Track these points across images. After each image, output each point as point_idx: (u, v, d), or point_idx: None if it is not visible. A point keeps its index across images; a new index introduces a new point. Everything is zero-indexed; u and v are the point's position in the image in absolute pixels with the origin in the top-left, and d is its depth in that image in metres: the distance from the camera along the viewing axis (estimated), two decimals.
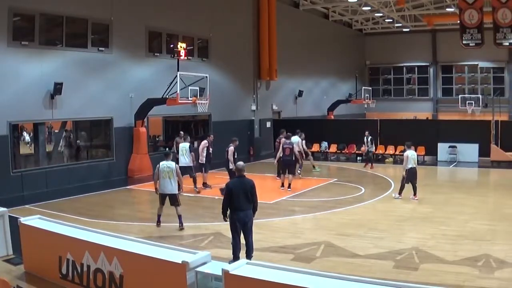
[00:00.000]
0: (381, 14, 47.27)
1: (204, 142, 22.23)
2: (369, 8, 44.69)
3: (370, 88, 50.83)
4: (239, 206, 11.35)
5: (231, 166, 20.28)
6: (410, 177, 19.52)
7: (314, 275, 7.72)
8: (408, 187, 19.59)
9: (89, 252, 9.45)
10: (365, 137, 29.10)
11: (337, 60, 49.31)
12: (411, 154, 19.57)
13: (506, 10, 32.42)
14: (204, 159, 22.11)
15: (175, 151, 25.96)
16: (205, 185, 22.06)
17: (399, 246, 13.38)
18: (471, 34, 37.94)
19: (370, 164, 29.03)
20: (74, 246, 9.81)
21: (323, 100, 45.96)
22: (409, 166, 19.39)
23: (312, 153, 30.62)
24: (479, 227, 15.61)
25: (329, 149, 34.65)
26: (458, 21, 33.59)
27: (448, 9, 42.76)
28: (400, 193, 19.74)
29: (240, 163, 12.08)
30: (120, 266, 8.96)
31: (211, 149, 22.37)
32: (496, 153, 29.87)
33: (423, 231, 15.03)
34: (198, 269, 8.15)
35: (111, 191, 22.36)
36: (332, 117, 44.61)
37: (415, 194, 19.49)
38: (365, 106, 49.90)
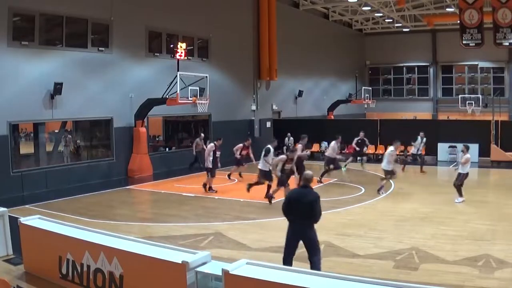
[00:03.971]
0: (381, 14, 47.28)
1: (211, 146, 21.79)
2: (369, 8, 44.69)
3: (370, 88, 50.77)
4: (295, 218, 10.72)
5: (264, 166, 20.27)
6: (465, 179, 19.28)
7: (314, 275, 7.73)
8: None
9: (89, 252, 9.44)
10: (419, 137, 28.48)
11: (337, 60, 49.31)
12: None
13: (506, 10, 32.43)
14: (210, 164, 21.46)
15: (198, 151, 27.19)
16: (210, 189, 21.64)
17: (399, 246, 13.38)
18: (471, 34, 37.99)
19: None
20: (74, 246, 9.81)
21: (323, 100, 45.97)
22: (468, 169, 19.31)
23: (312, 153, 30.63)
24: (479, 227, 15.61)
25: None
26: (458, 21, 33.61)
27: (448, 9, 42.76)
28: (461, 195, 19.35)
29: (309, 172, 11.30)
30: (120, 266, 8.96)
31: (218, 153, 21.88)
32: (496, 153, 29.88)
33: (423, 231, 15.03)
34: (198, 269, 8.15)
35: (111, 191, 22.34)
36: (332, 117, 44.60)
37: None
38: (365, 106, 49.92)
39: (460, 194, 19.13)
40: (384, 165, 21.12)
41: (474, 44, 34.37)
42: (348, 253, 12.90)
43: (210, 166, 21.44)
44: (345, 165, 28.21)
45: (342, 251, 13.08)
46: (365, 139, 29.68)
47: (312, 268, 10.46)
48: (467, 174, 19.21)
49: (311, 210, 10.53)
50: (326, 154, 25.02)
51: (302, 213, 10.55)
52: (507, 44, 35.13)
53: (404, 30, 52.57)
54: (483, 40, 32.37)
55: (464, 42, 33.90)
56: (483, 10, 32.53)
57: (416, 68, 56.12)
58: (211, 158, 21.33)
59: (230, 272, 7.65)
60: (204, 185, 21.84)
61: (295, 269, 7.96)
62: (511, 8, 32.85)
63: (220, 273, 7.73)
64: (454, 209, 18.11)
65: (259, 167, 20.39)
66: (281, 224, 16.32)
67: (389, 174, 20.99)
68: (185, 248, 9.60)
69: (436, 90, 54.98)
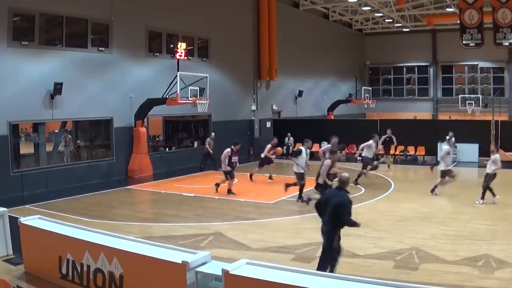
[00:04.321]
0: (381, 14, 47.30)
1: (227, 151, 21.18)
2: (369, 8, 44.70)
3: (370, 88, 50.78)
4: (323, 218, 10.80)
5: None
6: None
7: (314, 275, 7.74)
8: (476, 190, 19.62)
9: (89, 252, 9.45)
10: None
11: (337, 60, 49.32)
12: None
13: (506, 10, 32.41)
14: (228, 167, 21.04)
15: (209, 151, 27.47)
16: (229, 191, 21.11)
17: (399, 246, 13.41)
18: (471, 34, 37.96)
19: None
20: (74, 246, 9.82)
21: (323, 100, 45.97)
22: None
23: (312, 153, 30.56)
24: (479, 227, 15.63)
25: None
26: (458, 21, 33.59)
27: (448, 9, 42.76)
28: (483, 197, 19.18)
29: (345, 174, 11.00)
30: (120, 266, 8.96)
31: (235, 158, 21.41)
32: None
33: (423, 231, 15.05)
34: (198, 269, 8.16)
35: (111, 191, 22.35)
36: (332, 117, 44.61)
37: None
38: (365, 106, 49.92)
39: (483, 196, 19.01)
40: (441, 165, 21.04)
41: (474, 44, 34.34)
42: (348, 253, 12.76)
43: (229, 169, 21.14)
44: (388, 165, 28.47)
45: (342, 251, 13.05)
46: (392, 136, 29.38)
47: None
48: (494, 175, 19.13)
49: (334, 213, 10.45)
50: (363, 154, 24.34)
51: (327, 214, 10.57)
52: (507, 44, 35.10)
53: (404, 30, 52.58)
54: (483, 40, 32.34)
55: (464, 42, 33.87)
56: (483, 10, 32.51)
57: (416, 68, 56.10)
58: (227, 162, 21.03)
59: (230, 272, 7.65)
60: (217, 185, 21.54)
61: (295, 269, 7.97)
62: (511, 8, 32.85)
63: (220, 273, 7.73)
64: (454, 209, 18.15)
65: (294, 170, 19.91)
66: (281, 224, 16.42)
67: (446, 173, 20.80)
68: (185, 248, 9.61)
69: (436, 90, 54.98)
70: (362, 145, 24.55)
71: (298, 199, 19.38)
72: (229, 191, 21.11)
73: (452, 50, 47.79)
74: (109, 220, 16.54)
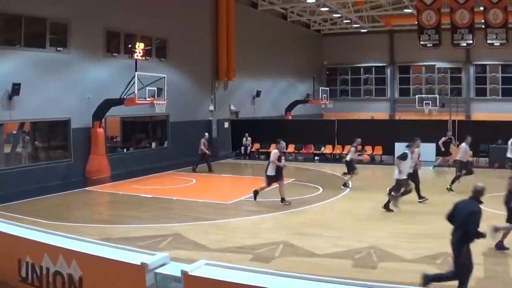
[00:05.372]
0: (339, 15, 47.61)
1: (275, 152, 19.55)
2: (327, 9, 45.00)
3: (328, 89, 51.08)
4: (453, 227, 10.20)
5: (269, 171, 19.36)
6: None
7: (272, 275, 7.82)
8: None
9: (48, 254, 9.41)
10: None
11: (295, 60, 49.54)
12: None
13: (464, 11, 33.02)
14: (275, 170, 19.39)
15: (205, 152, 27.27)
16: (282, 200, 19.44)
17: (358, 245, 13.54)
18: (428, 34, 38.60)
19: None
20: (33, 249, 9.77)
21: (281, 101, 46.17)
22: None
23: (270, 153, 30.64)
24: (437, 225, 15.80)
25: (287, 149, 34.86)
26: (416, 22, 34.07)
27: (406, 10, 43.19)
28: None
29: (479, 184, 10.26)
30: (79, 269, 8.96)
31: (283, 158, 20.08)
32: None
33: (382, 230, 15.26)
34: (157, 270, 8.21)
35: (70, 193, 22.16)
36: (290, 117, 44.84)
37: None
38: (323, 106, 50.18)
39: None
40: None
41: (431, 45, 34.95)
42: (306, 252, 13.03)
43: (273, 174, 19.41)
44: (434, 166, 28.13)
45: (300, 251, 13.19)
46: (452, 137, 28.66)
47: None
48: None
49: (461, 223, 9.92)
50: (457, 158, 22.96)
51: (456, 224, 10.10)
52: (465, 44, 35.77)
53: (362, 30, 53.04)
54: (441, 41, 32.89)
55: (421, 42, 34.45)
56: (441, 11, 33.03)
57: (373, 69, 56.67)
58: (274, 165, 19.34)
59: (189, 273, 7.72)
60: (256, 192, 20.08)
61: (253, 269, 8.06)
62: (469, 9, 33.45)
63: (179, 274, 7.80)
64: (412, 208, 18.39)
65: (395, 177, 18.29)
66: (240, 224, 16.52)
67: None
68: (144, 249, 9.65)
69: (393, 91, 55.58)
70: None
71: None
72: (283, 200, 19.42)
73: (410, 51, 48.24)
74: (68, 222, 16.42)
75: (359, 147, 24.05)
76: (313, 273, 9.88)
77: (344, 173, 23.51)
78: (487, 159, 30.41)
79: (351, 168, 23.10)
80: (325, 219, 17.05)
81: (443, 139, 28.18)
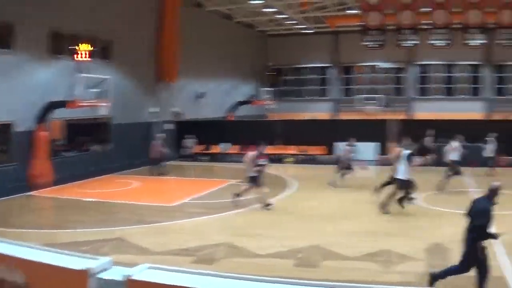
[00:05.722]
0: (284, 16, 47.66)
1: (251, 153, 19.42)
2: (272, 9, 45.04)
3: (272, 89, 51.46)
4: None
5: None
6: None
7: (216, 277, 7.92)
8: None
9: None
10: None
11: (240, 61, 49.61)
12: None
13: (408, 12, 33.84)
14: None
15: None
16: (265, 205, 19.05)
17: (301, 244, 13.75)
18: (372, 35, 39.43)
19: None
20: None
21: (226, 102, 46.15)
22: None
23: (213, 154, 30.71)
24: (379, 223, 16.27)
25: (230, 150, 35.00)
26: (361, 23, 34.64)
27: (350, 11, 43.38)
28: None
29: (496, 183, 10.37)
30: (23, 275, 8.95)
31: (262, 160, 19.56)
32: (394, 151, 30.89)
33: (324, 229, 15.59)
34: (100, 275, 8.25)
35: (12, 198, 21.89)
36: (233, 118, 44.91)
37: None
38: (267, 107, 50.39)
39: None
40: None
41: (375, 45, 35.70)
42: (250, 253, 13.20)
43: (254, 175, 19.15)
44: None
45: (244, 252, 13.35)
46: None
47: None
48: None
49: (473, 219, 10.13)
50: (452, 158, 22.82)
51: (469, 219, 10.25)
52: (409, 45, 36.64)
53: (307, 31, 53.16)
54: (385, 41, 33.60)
55: (365, 43, 35.13)
56: (385, 13, 33.69)
57: (317, 69, 57.05)
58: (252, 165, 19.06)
59: (132, 277, 7.77)
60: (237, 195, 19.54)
61: (197, 272, 8.18)
62: (414, 10, 34.30)
63: (122, 278, 7.89)
64: (354, 207, 18.79)
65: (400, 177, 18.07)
66: (184, 226, 16.63)
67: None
68: (86, 254, 9.70)
69: (336, 91, 56.11)
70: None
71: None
72: (266, 205, 19.03)
73: (354, 51, 49.12)
74: (11, 228, 16.21)
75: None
76: (256, 273, 9.96)
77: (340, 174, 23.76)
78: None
79: (344, 166, 23.56)
80: (268, 219, 17.24)
81: (429, 138, 28.32)
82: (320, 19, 48.83)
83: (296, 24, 50.87)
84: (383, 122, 33.74)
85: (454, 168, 22.34)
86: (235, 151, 34.93)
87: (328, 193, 21.14)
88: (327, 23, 48.54)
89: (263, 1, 41.33)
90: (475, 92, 52.18)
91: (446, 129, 27.97)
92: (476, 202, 10.40)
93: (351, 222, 16.51)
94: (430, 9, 37.49)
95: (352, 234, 14.96)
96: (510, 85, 51.36)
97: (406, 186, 18.03)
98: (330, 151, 32.78)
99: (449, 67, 52.74)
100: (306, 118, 45.18)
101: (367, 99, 52.16)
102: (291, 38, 55.39)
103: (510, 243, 12.89)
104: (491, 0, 37.24)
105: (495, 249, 12.38)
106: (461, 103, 50.19)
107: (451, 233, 13.34)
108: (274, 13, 46.51)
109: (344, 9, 44.17)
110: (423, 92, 53.44)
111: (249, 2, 42.19)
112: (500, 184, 10.30)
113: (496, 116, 44.94)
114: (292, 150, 33.30)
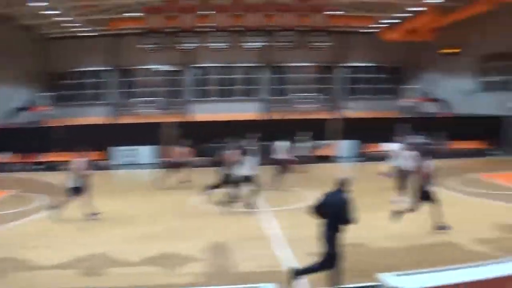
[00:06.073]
0: (66, 19, 46.55)
1: (77, 161, 18.44)
2: (54, 12, 43.83)
3: (52, 94, 50.47)
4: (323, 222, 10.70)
5: None
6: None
7: None
8: None
9: None
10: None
11: (19, 65, 47.95)
12: None
13: (189, 15, 35.33)
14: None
15: None
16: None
17: (84, 252, 13.80)
18: (152, 38, 40.72)
19: None
20: None
21: (2, 108, 44.08)
22: None
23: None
24: (165, 226, 16.82)
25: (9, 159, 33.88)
26: (142, 26, 35.28)
27: (133, 14, 43.52)
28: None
29: (343, 176, 10.92)
30: None
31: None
32: (167, 153, 31.10)
33: (108, 235, 15.88)
34: None
35: None
36: (12, 126, 43.12)
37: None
38: (46, 113, 48.94)
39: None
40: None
41: (154, 48, 37.05)
42: (27, 266, 12.97)
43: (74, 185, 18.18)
44: None
45: (22, 265, 13.06)
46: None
47: None
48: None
49: (334, 213, 10.48)
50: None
51: (327, 215, 10.58)
52: (186, 47, 38.09)
53: (89, 34, 52.72)
54: (164, 44, 34.96)
55: (144, 45, 36.11)
56: (166, 16, 34.81)
57: (98, 73, 56.61)
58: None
59: None
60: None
61: None
62: (194, 14, 35.74)
63: None
64: (138, 210, 19.50)
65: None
66: None
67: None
68: None
69: (116, 94, 56.22)
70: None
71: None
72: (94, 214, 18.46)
73: (134, 54, 50.17)
74: None
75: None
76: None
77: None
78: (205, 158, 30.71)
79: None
80: (47, 229, 16.93)
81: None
82: (103, 22, 48.36)
83: (79, 27, 50.01)
84: (159, 125, 34.78)
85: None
86: (17, 160, 33.85)
87: (106, 199, 20.72)
88: (109, 26, 48.09)
89: (46, 3, 40.15)
90: (254, 93, 55.52)
91: (221, 130, 29.20)
92: (331, 197, 10.68)
93: (138, 227, 16.85)
94: (212, 11, 38.98)
95: (138, 239, 15.30)
96: (287, 85, 54.90)
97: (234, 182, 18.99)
98: (108, 156, 32.87)
99: (228, 69, 55.56)
100: (85, 123, 44.49)
101: (145, 102, 53.18)
102: (73, 41, 54.26)
103: (292, 238, 14.18)
104: (270, 4, 39.48)
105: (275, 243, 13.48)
106: (239, 104, 53.29)
107: (236, 232, 14.27)
108: (56, 15, 45.37)
109: (126, 12, 44.35)
110: (203, 94, 55.69)
111: (28, 4, 40.78)
112: (348, 176, 10.91)
113: (274, 116, 48.20)
114: (65, 157, 32.71)
